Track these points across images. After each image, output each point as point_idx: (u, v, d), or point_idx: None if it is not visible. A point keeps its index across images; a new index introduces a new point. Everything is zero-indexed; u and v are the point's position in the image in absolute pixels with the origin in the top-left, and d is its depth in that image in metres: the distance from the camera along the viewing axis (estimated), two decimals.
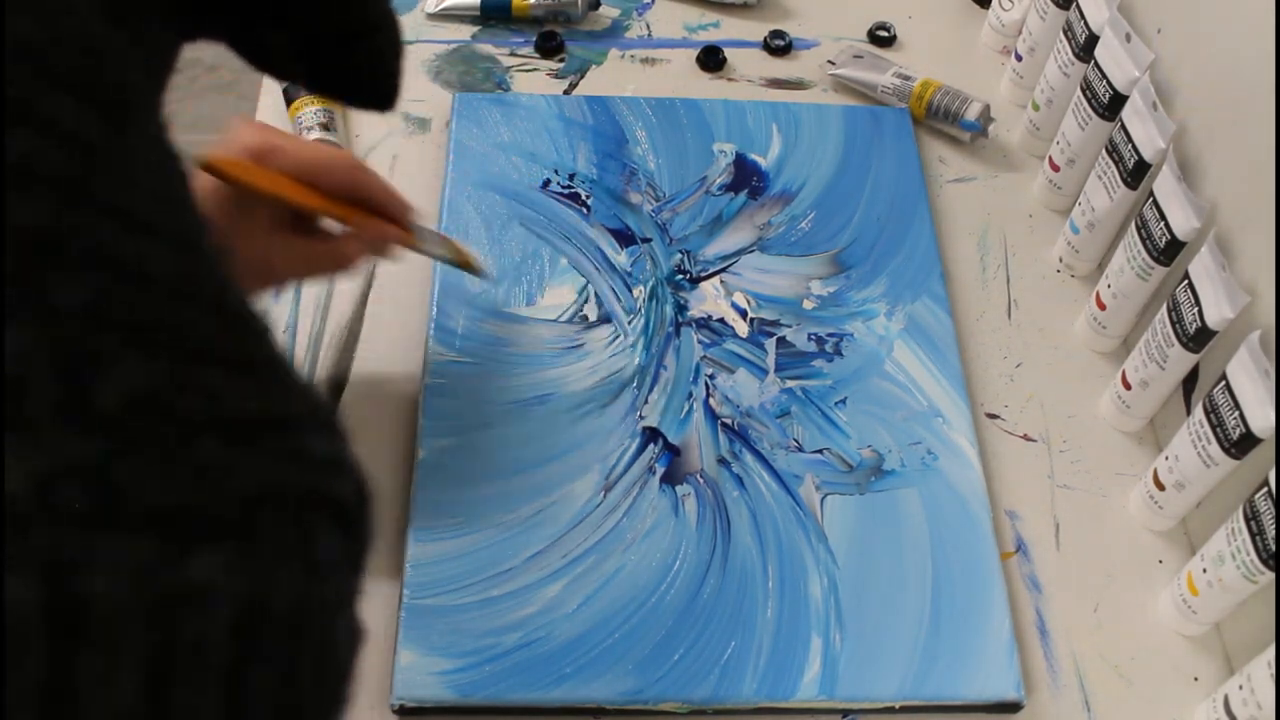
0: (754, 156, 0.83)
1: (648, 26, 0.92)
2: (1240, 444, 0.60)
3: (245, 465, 0.27)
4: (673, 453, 0.69)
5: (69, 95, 0.27)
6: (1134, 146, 0.69)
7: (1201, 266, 0.64)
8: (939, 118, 0.85)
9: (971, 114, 0.84)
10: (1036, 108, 0.84)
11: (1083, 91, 0.75)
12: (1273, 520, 0.57)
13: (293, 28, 0.40)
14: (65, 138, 0.26)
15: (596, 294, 0.74)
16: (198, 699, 0.25)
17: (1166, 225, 0.66)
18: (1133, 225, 0.70)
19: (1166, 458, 0.66)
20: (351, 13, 0.41)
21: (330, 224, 0.64)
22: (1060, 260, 0.80)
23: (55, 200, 0.26)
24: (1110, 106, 0.73)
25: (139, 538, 0.24)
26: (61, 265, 0.25)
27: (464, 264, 0.70)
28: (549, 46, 0.89)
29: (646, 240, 0.78)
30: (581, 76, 0.89)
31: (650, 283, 0.76)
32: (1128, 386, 0.71)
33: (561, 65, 0.89)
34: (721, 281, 0.76)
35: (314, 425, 0.30)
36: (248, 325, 0.30)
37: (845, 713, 0.62)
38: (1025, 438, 0.73)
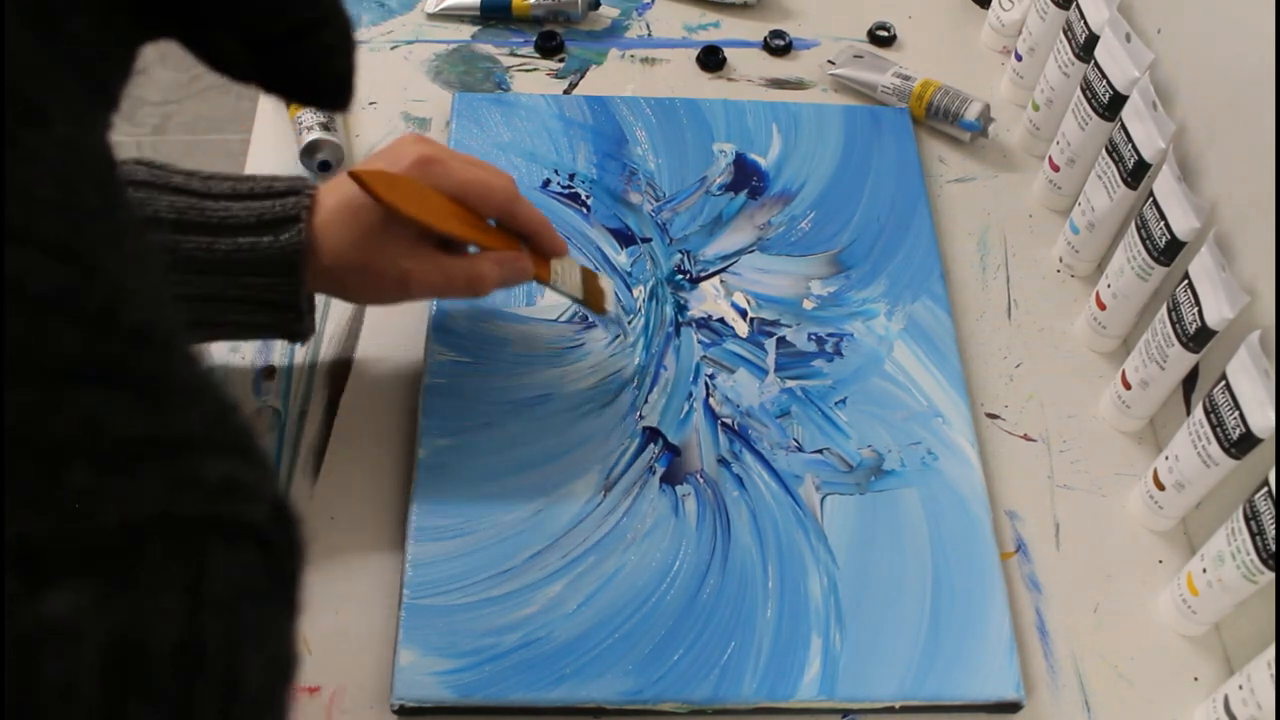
0: (754, 156, 0.83)
1: (648, 26, 0.92)
2: (1240, 444, 0.60)
3: (122, 492, 0.25)
4: (673, 452, 0.69)
5: None
6: (1134, 146, 0.69)
7: (1201, 266, 0.64)
8: (939, 118, 0.86)
9: (971, 114, 0.84)
10: (1036, 108, 0.84)
11: (1083, 91, 0.75)
12: (1273, 520, 0.57)
13: (241, 26, 0.39)
14: None
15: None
16: None
17: (1166, 225, 0.66)
18: (1133, 225, 0.70)
19: (1166, 458, 0.66)
20: (297, 8, 0.40)
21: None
22: (1060, 260, 0.80)
23: None
24: (1110, 106, 0.73)
25: None
26: None
27: (591, 304, 0.70)
28: (549, 46, 0.89)
29: (646, 240, 0.78)
30: (581, 76, 0.89)
31: (650, 283, 0.76)
32: (1128, 386, 0.71)
33: (561, 65, 0.89)
34: (721, 281, 0.76)
35: (217, 448, 0.28)
36: (144, 342, 0.28)
37: (845, 713, 0.62)
38: (1025, 438, 0.73)
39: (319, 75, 0.42)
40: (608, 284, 0.71)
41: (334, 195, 0.62)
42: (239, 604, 0.28)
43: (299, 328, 0.64)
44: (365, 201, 0.61)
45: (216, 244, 0.60)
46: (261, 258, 0.60)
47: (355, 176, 0.60)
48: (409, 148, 0.63)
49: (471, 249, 0.65)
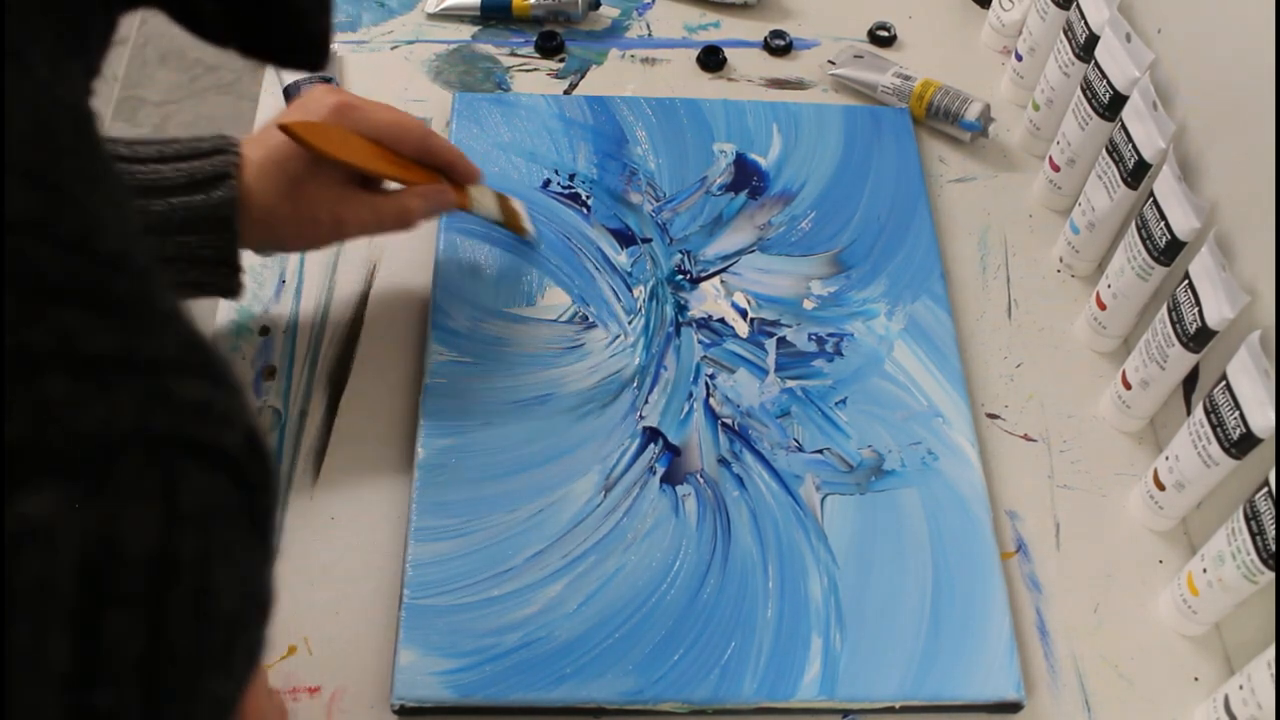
0: (754, 156, 0.83)
1: (648, 26, 0.92)
2: (1240, 444, 0.60)
3: (97, 404, 0.26)
4: (673, 453, 0.69)
5: None
6: (1134, 146, 0.69)
7: (1201, 266, 0.64)
8: (939, 118, 0.85)
9: (971, 114, 0.84)
10: (1037, 108, 0.84)
11: (1083, 91, 0.75)
12: (1273, 520, 0.57)
13: None
14: None
15: (585, 309, 0.74)
16: (42, 641, 0.24)
17: (1166, 225, 0.66)
18: (1133, 225, 0.70)
19: (1166, 458, 0.66)
20: None
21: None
22: (1060, 260, 0.80)
23: None
24: (1110, 106, 0.73)
25: None
26: None
27: (513, 226, 0.74)
28: (549, 46, 0.89)
29: (647, 240, 0.78)
30: (581, 76, 0.89)
31: (650, 283, 0.76)
32: (1128, 386, 0.71)
33: (561, 65, 0.89)
34: (722, 281, 0.76)
35: (191, 371, 0.29)
36: (120, 269, 0.29)
37: (845, 713, 0.62)
38: (1025, 438, 0.73)
39: (293, 35, 0.43)
40: (519, 204, 0.75)
41: (259, 149, 0.64)
42: (212, 523, 0.28)
43: (233, 283, 0.65)
44: (291, 152, 0.63)
45: (150, 206, 0.61)
46: (195, 216, 0.61)
47: (285, 128, 0.62)
48: (323, 97, 0.66)
49: (395, 189, 0.68)
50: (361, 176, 0.67)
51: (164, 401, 0.28)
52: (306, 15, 0.42)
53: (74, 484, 0.25)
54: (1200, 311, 0.63)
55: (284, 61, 0.44)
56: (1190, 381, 0.69)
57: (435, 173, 0.69)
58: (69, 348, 0.26)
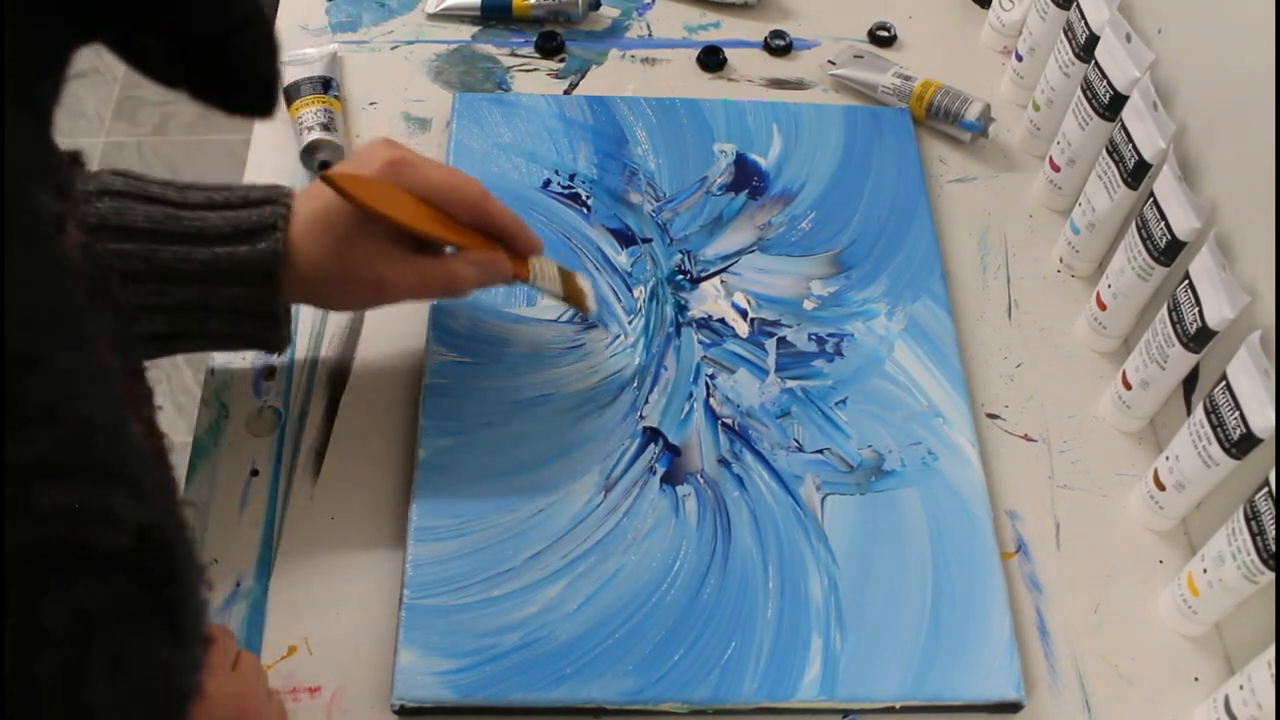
0: (754, 156, 0.83)
1: (648, 26, 0.92)
2: (1240, 444, 0.60)
3: None
4: (673, 453, 0.69)
5: None
6: (1134, 146, 0.69)
7: (1202, 266, 0.64)
8: (939, 118, 0.85)
9: (972, 114, 0.84)
10: (1037, 108, 0.83)
11: (1083, 91, 0.75)
12: (1273, 520, 0.57)
13: (161, 30, 0.39)
14: None
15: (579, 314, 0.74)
16: None
17: (1167, 225, 0.66)
18: (1133, 225, 0.70)
19: (1167, 458, 0.66)
20: (214, 11, 0.39)
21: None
22: (1060, 260, 0.80)
23: None
24: (1110, 106, 0.73)
25: None
26: None
27: (575, 303, 0.70)
28: (549, 46, 0.89)
29: (647, 240, 0.78)
30: (582, 76, 0.89)
31: (650, 283, 0.76)
32: (1128, 386, 0.71)
33: (562, 65, 0.89)
34: (722, 281, 0.76)
35: (61, 473, 0.27)
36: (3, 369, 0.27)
37: (845, 713, 0.62)
38: (1025, 438, 0.73)
39: (240, 81, 0.42)
40: (585, 282, 0.71)
41: (310, 203, 0.62)
42: (84, 635, 0.26)
43: (276, 337, 0.64)
44: (340, 207, 0.61)
45: (193, 253, 0.59)
46: (239, 267, 0.60)
47: (327, 179, 0.59)
48: (378, 151, 0.63)
49: (449, 252, 0.65)
50: (415, 240, 0.63)
51: (19, 511, 0.26)
52: (255, 61, 0.41)
53: None
54: (1200, 311, 0.63)
55: (233, 108, 0.42)
56: (1190, 381, 0.69)
57: (491, 240, 0.66)
58: None
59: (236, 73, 0.41)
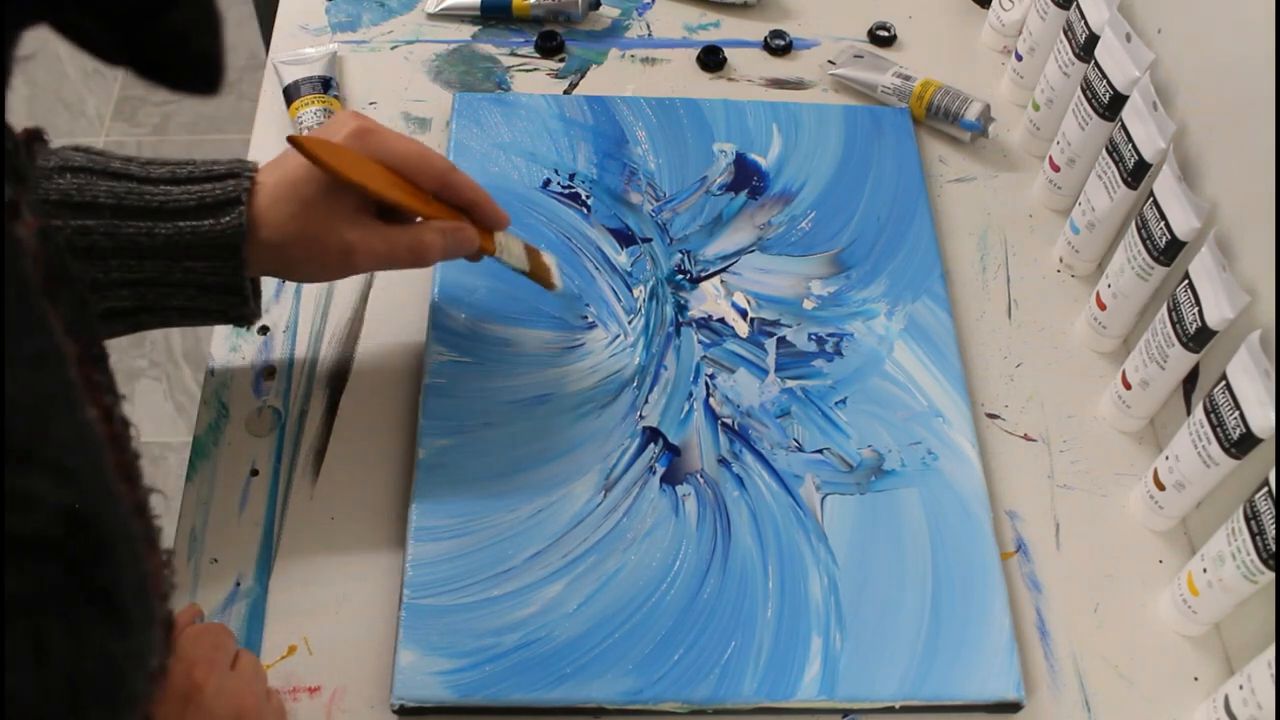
0: (754, 156, 0.83)
1: (648, 26, 0.92)
2: (1240, 444, 0.60)
3: None
4: (673, 452, 0.69)
5: None
6: (1134, 146, 0.69)
7: (1201, 266, 0.64)
8: (939, 118, 0.85)
9: (971, 114, 0.84)
10: (1036, 108, 0.83)
11: (1083, 91, 0.75)
12: (1273, 520, 0.57)
13: (93, 6, 0.38)
14: None
15: (585, 309, 0.74)
16: None
17: (1167, 225, 0.66)
18: (1133, 225, 0.70)
19: (1166, 458, 0.66)
20: None
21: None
22: (1060, 260, 0.80)
23: None
24: (1110, 106, 0.73)
25: None
26: None
27: (540, 279, 0.70)
28: (549, 46, 0.89)
29: (647, 240, 0.78)
30: (581, 76, 0.89)
31: (650, 283, 0.76)
32: (1128, 386, 0.71)
33: (561, 65, 0.89)
34: (722, 281, 0.76)
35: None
36: None
37: (845, 713, 0.62)
38: (1025, 438, 0.73)
39: (179, 58, 0.41)
40: (551, 259, 0.72)
41: (275, 173, 0.62)
42: (32, 620, 0.26)
43: (243, 311, 0.64)
44: (306, 174, 0.61)
45: (156, 228, 0.59)
46: (203, 241, 0.60)
47: (295, 143, 0.59)
48: (345, 120, 0.63)
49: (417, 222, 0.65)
50: (379, 208, 0.63)
51: None
52: (189, 36, 0.41)
53: None
54: (1200, 311, 0.63)
55: (175, 85, 0.42)
56: (1190, 381, 0.69)
57: (457, 212, 0.66)
58: None
59: (173, 49, 0.40)
